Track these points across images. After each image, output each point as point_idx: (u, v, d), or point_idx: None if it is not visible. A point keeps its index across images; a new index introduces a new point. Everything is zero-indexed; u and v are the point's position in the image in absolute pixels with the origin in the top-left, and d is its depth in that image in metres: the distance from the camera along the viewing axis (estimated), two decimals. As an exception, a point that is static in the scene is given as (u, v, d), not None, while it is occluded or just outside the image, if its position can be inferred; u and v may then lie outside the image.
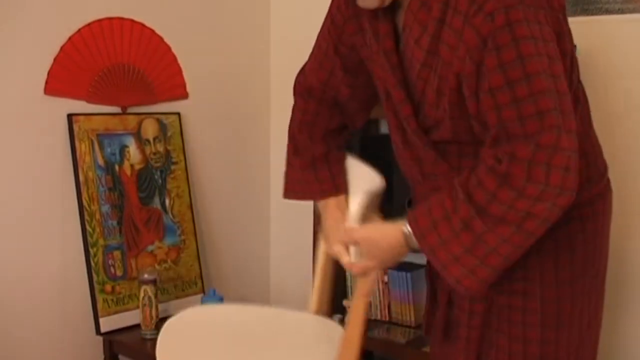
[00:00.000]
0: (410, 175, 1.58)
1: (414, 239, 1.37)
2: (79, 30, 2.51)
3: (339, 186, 1.65)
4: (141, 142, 2.68)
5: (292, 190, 1.71)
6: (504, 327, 1.46)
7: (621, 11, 2.28)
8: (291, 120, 1.73)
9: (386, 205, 1.90)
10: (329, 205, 1.64)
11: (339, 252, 1.57)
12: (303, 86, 1.71)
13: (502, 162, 1.27)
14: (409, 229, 1.38)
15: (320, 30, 1.68)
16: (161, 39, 2.75)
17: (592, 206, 1.47)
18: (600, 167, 1.54)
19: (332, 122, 1.69)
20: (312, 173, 1.65)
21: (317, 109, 1.67)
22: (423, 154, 1.47)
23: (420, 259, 2.04)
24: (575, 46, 1.45)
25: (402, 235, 1.40)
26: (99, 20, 2.56)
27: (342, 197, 1.65)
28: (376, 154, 2.04)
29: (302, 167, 1.67)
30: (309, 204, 1.82)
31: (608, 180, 1.58)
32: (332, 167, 1.66)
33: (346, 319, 1.53)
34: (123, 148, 2.62)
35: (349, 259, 1.55)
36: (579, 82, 1.50)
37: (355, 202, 1.63)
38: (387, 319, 2.68)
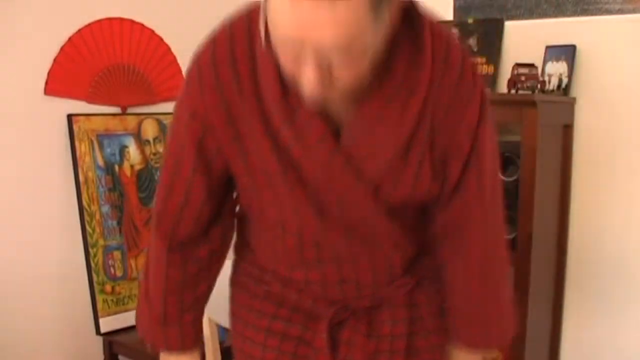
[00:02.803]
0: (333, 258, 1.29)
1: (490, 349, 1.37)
2: (79, 30, 2.51)
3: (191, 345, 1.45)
4: (141, 142, 2.68)
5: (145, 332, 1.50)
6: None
7: (621, 11, 2.28)
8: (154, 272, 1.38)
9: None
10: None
11: None
12: (163, 231, 1.33)
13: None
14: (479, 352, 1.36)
15: (172, 147, 1.28)
16: (161, 39, 2.75)
17: None
18: None
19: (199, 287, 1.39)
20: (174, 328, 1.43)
21: (182, 274, 1.35)
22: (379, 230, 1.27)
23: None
24: None
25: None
26: (99, 20, 2.56)
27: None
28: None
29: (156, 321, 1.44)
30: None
31: None
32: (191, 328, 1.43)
33: None
34: (123, 148, 2.62)
35: None
36: None
37: None
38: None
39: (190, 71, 1.21)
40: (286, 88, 1.11)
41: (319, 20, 0.95)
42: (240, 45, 1.14)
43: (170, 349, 1.46)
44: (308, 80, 1.01)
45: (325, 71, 1.01)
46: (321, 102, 1.08)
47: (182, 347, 1.44)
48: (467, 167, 1.22)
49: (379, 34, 1.01)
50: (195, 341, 1.45)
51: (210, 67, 1.16)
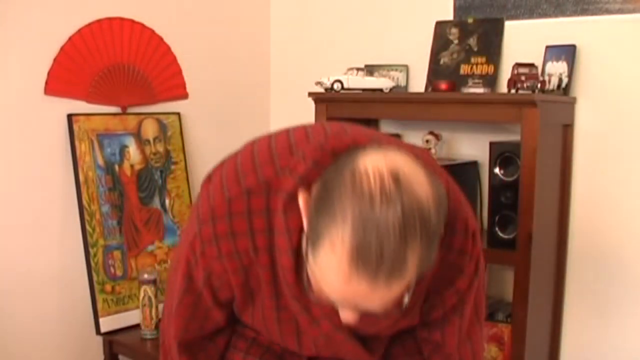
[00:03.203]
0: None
1: None
2: (79, 30, 2.51)
3: None
4: (141, 142, 2.68)
5: None
6: None
7: (621, 11, 2.28)
8: None
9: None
10: None
11: None
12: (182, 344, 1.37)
13: None
14: None
15: (185, 286, 1.30)
16: (161, 39, 2.75)
17: None
18: None
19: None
20: None
21: None
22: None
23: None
24: None
25: None
26: (99, 20, 2.56)
27: None
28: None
29: None
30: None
31: None
32: None
33: None
34: (123, 148, 2.62)
35: None
36: None
37: None
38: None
39: (207, 237, 1.20)
40: (299, 269, 1.14)
41: (373, 296, 0.99)
42: (258, 218, 1.17)
43: None
44: (346, 321, 1.08)
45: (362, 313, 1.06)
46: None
47: None
48: (449, 315, 1.30)
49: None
50: None
51: (229, 238, 1.18)
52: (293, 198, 1.12)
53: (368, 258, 0.94)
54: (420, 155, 1.15)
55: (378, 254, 0.94)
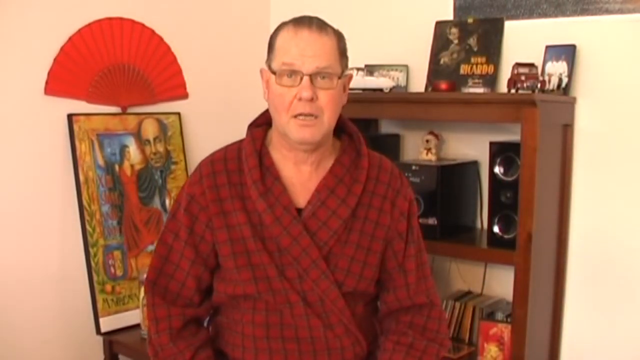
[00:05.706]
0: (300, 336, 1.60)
1: None
2: (79, 30, 2.51)
3: None
4: (141, 142, 2.68)
5: None
6: None
7: (621, 11, 2.28)
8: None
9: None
10: None
11: None
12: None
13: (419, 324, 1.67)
14: None
15: (171, 226, 1.67)
16: (161, 39, 2.75)
17: None
18: None
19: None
20: None
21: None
22: (331, 307, 1.58)
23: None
24: None
25: None
26: (99, 20, 2.56)
27: None
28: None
29: None
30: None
31: None
32: None
33: None
34: (123, 148, 2.62)
35: None
36: None
37: None
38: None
39: (193, 172, 1.66)
40: (264, 174, 1.58)
41: (313, 46, 1.51)
42: (231, 154, 1.63)
43: None
44: (305, 94, 1.50)
45: (313, 93, 1.50)
46: (311, 135, 1.53)
47: None
48: (405, 247, 1.65)
49: (342, 76, 1.57)
50: None
51: (208, 165, 1.62)
52: (257, 125, 1.66)
53: (303, 20, 1.54)
54: None
55: (309, 18, 1.54)
